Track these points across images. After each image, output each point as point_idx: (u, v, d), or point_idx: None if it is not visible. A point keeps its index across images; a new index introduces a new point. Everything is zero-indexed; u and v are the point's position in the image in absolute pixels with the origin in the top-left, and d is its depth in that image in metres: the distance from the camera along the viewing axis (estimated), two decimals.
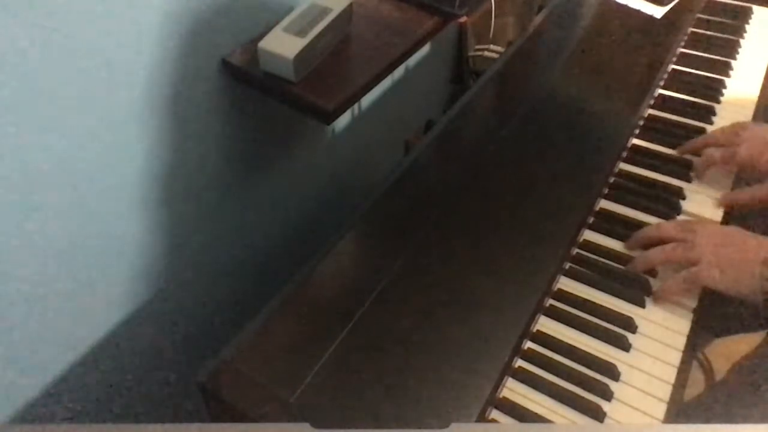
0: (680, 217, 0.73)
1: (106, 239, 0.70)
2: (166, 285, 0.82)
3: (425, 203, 0.71)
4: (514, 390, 0.57)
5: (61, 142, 0.60)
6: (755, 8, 1.12)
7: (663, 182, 0.78)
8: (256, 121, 0.85)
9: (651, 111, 0.89)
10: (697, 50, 1.01)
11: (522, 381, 0.57)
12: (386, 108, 1.15)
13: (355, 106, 1.05)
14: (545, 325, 0.62)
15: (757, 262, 0.60)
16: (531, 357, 0.59)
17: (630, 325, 0.62)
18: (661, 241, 0.66)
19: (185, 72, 0.70)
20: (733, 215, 0.74)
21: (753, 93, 0.93)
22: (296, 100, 0.73)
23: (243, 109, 0.81)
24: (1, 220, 0.58)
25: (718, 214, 0.73)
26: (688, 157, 0.80)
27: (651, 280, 0.66)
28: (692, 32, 1.05)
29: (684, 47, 1.02)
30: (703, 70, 0.97)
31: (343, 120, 1.04)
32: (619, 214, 0.73)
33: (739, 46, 1.02)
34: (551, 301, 0.64)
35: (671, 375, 0.58)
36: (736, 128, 0.77)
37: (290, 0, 0.80)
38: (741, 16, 1.10)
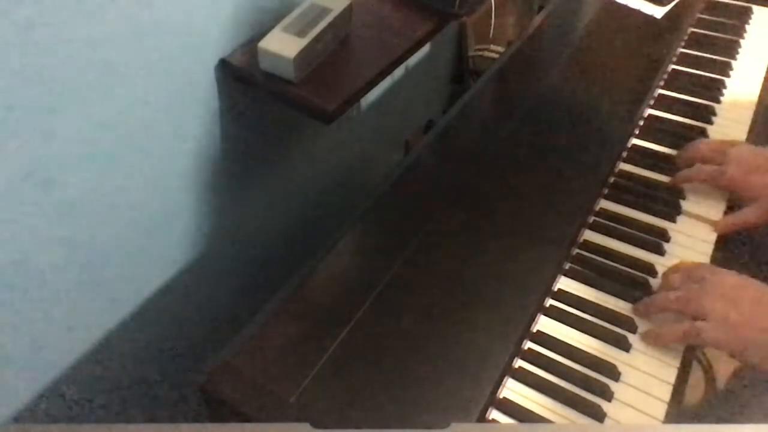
0: (680, 218, 0.73)
1: (104, 238, 0.70)
2: (165, 285, 0.82)
3: (425, 203, 0.71)
4: (514, 390, 0.57)
5: (51, 143, 0.60)
6: (755, 8, 1.12)
7: (663, 182, 0.77)
8: (256, 121, 0.85)
9: (651, 111, 0.89)
10: (697, 50, 1.01)
11: (522, 381, 0.57)
12: (386, 108, 1.15)
13: (355, 106, 1.05)
14: (545, 325, 0.62)
15: None
16: (531, 357, 0.59)
17: (630, 325, 0.62)
18: (669, 288, 0.63)
19: (185, 72, 0.70)
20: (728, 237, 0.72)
21: (753, 93, 0.93)
22: (296, 100, 0.73)
23: (243, 109, 0.81)
24: (2, 224, 0.58)
25: (718, 216, 0.73)
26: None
27: (652, 283, 0.66)
28: (692, 32, 1.05)
29: (684, 47, 1.02)
30: (703, 70, 0.97)
31: (343, 120, 1.04)
32: (619, 214, 0.73)
33: (739, 46, 1.02)
34: (551, 301, 0.64)
35: (671, 375, 0.58)
36: (725, 146, 0.76)
37: (290, 0, 0.80)
38: (741, 16, 1.10)
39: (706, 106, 0.90)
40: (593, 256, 0.68)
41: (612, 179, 0.78)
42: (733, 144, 0.76)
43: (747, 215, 0.71)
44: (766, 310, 0.57)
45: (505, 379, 0.57)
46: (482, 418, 0.54)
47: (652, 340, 0.60)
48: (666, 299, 0.61)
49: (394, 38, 0.81)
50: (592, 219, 0.73)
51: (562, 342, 0.60)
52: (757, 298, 0.59)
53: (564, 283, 0.66)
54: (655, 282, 0.66)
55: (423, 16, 0.85)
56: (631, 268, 0.67)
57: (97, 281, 0.71)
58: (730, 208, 0.74)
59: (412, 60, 1.13)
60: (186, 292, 0.87)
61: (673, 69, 0.97)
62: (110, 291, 0.74)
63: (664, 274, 0.65)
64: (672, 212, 0.73)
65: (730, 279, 0.61)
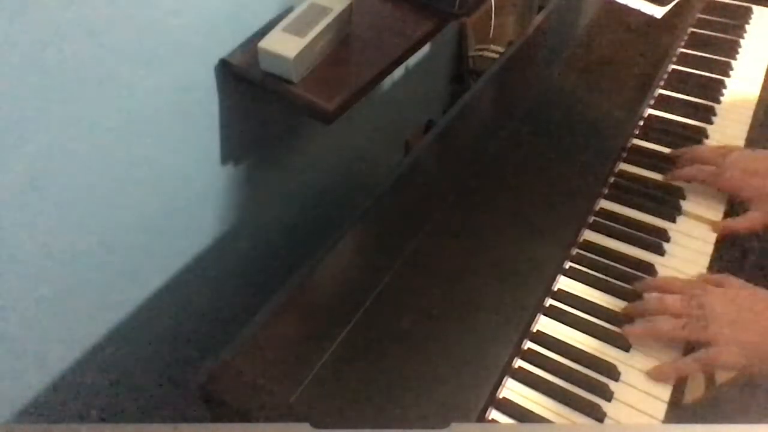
0: (680, 218, 0.73)
1: (104, 237, 0.70)
2: (165, 285, 0.82)
3: (425, 203, 0.71)
4: (514, 390, 0.57)
5: (52, 142, 0.60)
6: (755, 8, 1.12)
7: (663, 182, 0.77)
8: (256, 121, 0.85)
9: (651, 111, 0.89)
10: (697, 50, 1.01)
11: (522, 381, 0.57)
12: (386, 108, 1.15)
13: (355, 105, 1.05)
14: (545, 325, 0.62)
15: None
16: (531, 357, 0.59)
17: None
18: (667, 309, 0.61)
19: (185, 72, 0.70)
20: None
21: (753, 93, 0.92)
22: (296, 100, 0.73)
23: (243, 109, 0.81)
24: (3, 223, 0.58)
25: (718, 216, 0.73)
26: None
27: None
28: (692, 32, 1.05)
29: (684, 47, 1.02)
30: (703, 70, 0.97)
31: (344, 120, 1.04)
32: (619, 214, 0.73)
33: (739, 46, 1.02)
34: (551, 301, 0.64)
35: None
36: (724, 150, 0.75)
37: (290, 0, 0.80)
38: (741, 16, 1.10)
39: (706, 106, 0.90)
40: (593, 256, 0.68)
41: (612, 179, 0.78)
42: (733, 149, 0.76)
43: (747, 220, 0.70)
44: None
45: (505, 379, 0.57)
46: (482, 418, 0.54)
47: (667, 374, 0.58)
48: (671, 328, 0.59)
49: (394, 38, 0.81)
50: (592, 219, 0.73)
51: (562, 342, 0.60)
52: (755, 308, 0.58)
53: (564, 283, 0.66)
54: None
55: (423, 16, 0.85)
56: (631, 268, 0.67)
57: (96, 281, 0.71)
58: (731, 208, 0.74)
59: (412, 60, 1.13)
60: (186, 292, 0.87)
61: (673, 69, 0.97)
62: (109, 291, 0.74)
63: (660, 299, 0.62)
64: (672, 212, 0.73)
65: (725, 296, 0.60)
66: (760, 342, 0.56)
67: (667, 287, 0.63)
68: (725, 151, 0.76)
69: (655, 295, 0.63)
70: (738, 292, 0.61)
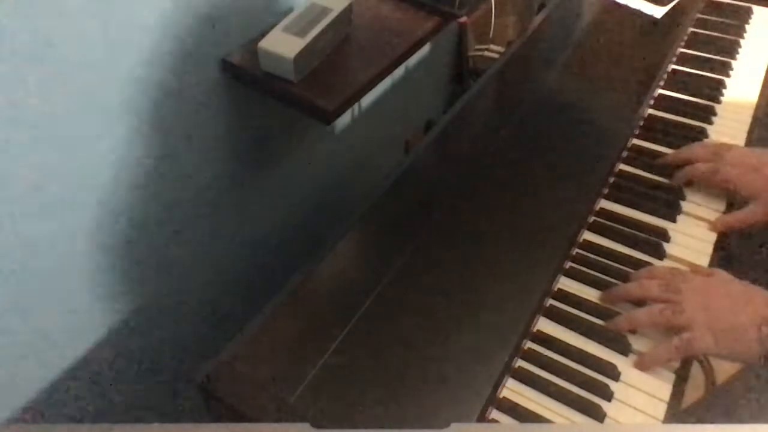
0: (680, 218, 0.73)
1: (105, 238, 0.70)
2: (165, 284, 0.82)
3: (425, 203, 0.71)
4: (514, 390, 0.57)
5: (55, 143, 0.60)
6: (755, 8, 1.11)
7: (663, 182, 0.77)
8: (256, 121, 0.85)
9: (651, 111, 0.89)
10: (697, 50, 1.01)
11: (522, 381, 0.57)
12: (386, 108, 1.15)
13: (355, 106, 1.05)
14: (545, 325, 0.62)
15: (753, 325, 0.56)
16: (531, 357, 0.59)
17: None
18: (644, 300, 0.62)
19: (185, 72, 0.70)
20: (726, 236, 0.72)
21: (753, 93, 0.92)
22: (296, 100, 0.73)
23: (243, 109, 0.81)
24: (4, 219, 0.58)
25: (717, 215, 0.73)
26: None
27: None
28: (692, 32, 1.05)
29: (684, 47, 1.02)
30: (703, 70, 0.97)
31: (343, 120, 1.04)
32: (619, 214, 0.73)
33: (739, 46, 1.02)
34: (551, 301, 0.64)
35: (671, 375, 0.58)
36: (720, 148, 0.75)
37: (290, 0, 0.80)
38: (741, 16, 1.10)
39: (706, 106, 0.89)
40: (593, 256, 0.68)
41: (612, 179, 0.78)
42: (729, 147, 0.76)
43: (746, 215, 0.70)
44: (740, 306, 0.58)
45: (505, 379, 0.57)
46: (482, 418, 0.54)
47: (648, 363, 0.59)
48: (648, 315, 0.60)
49: (394, 38, 0.81)
50: (592, 219, 0.73)
51: (562, 342, 0.60)
52: (729, 296, 0.59)
53: (564, 283, 0.66)
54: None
55: (423, 16, 0.85)
56: (631, 268, 0.67)
57: (95, 282, 0.71)
58: (731, 207, 0.74)
59: (412, 60, 1.13)
60: (186, 292, 0.87)
61: (673, 69, 0.97)
62: (108, 292, 0.74)
63: (638, 285, 0.63)
64: (672, 212, 0.73)
65: (705, 284, 0.61)
66: (729, 328, 0.57)
67: (652, 275, 0.64)
68: (719, 148, 0.76)
69: (636, 280, 0.64)
70: (718, 280, 0.62)
